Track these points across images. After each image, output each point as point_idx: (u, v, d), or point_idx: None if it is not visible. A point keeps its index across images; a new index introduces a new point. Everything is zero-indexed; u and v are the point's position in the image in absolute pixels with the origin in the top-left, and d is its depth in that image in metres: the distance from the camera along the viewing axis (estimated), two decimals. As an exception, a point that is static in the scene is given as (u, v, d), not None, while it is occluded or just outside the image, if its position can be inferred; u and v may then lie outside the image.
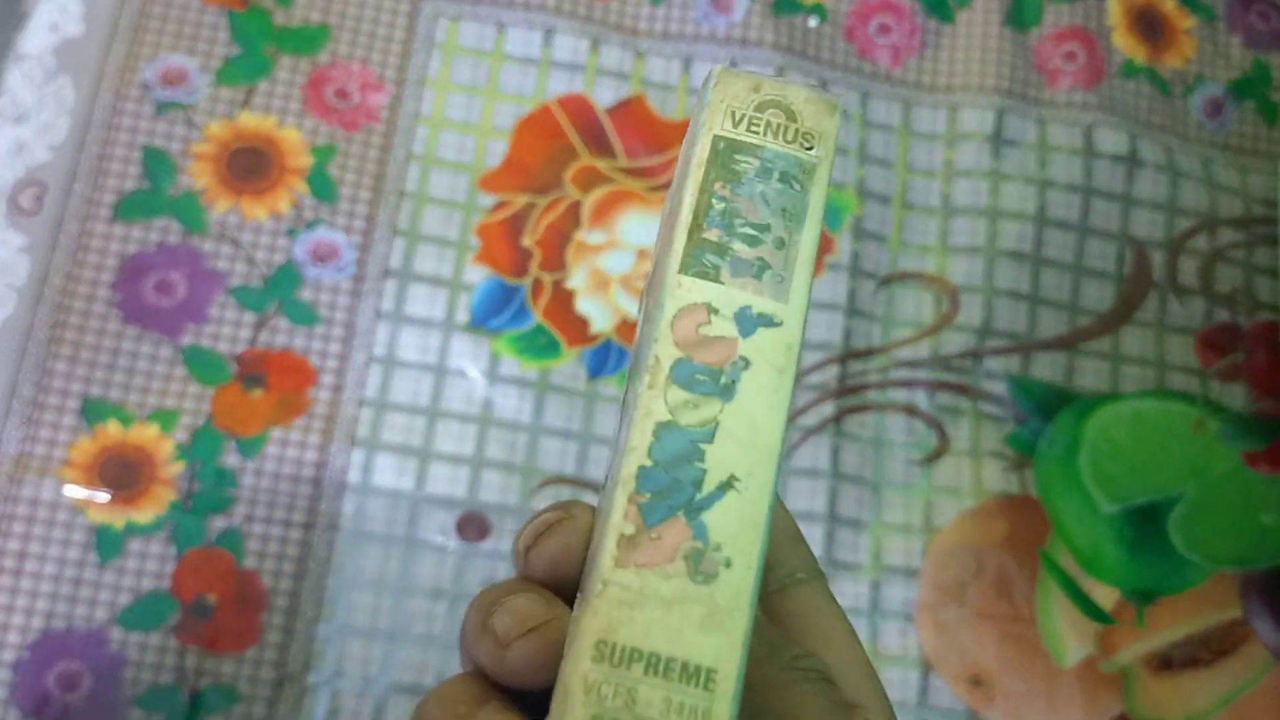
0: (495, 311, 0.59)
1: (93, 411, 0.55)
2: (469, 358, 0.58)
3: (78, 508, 0.54)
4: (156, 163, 0.58)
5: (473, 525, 0.57)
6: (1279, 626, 0.59)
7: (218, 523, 0.55)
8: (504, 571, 0.56)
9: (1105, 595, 0.59)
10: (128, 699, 0.52)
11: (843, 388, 0.61)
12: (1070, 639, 0.58)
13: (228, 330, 0.57)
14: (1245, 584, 0.59)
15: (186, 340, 0.56)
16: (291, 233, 0.58)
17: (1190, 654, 0.59)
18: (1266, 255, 0.65)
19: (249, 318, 0.57)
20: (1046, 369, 0.62)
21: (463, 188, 0.61)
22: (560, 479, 0.58)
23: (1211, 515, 0.60)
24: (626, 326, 0.60)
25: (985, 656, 0.58)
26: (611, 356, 0.60)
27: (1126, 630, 0.58)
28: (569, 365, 0.59)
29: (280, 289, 0.58)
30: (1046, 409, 0.61)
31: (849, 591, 0.58)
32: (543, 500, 0.57)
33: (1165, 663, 0.58)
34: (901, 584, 0.58)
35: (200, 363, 0.56)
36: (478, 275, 0.60)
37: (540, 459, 0.58)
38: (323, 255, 0.58)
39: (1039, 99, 0.66)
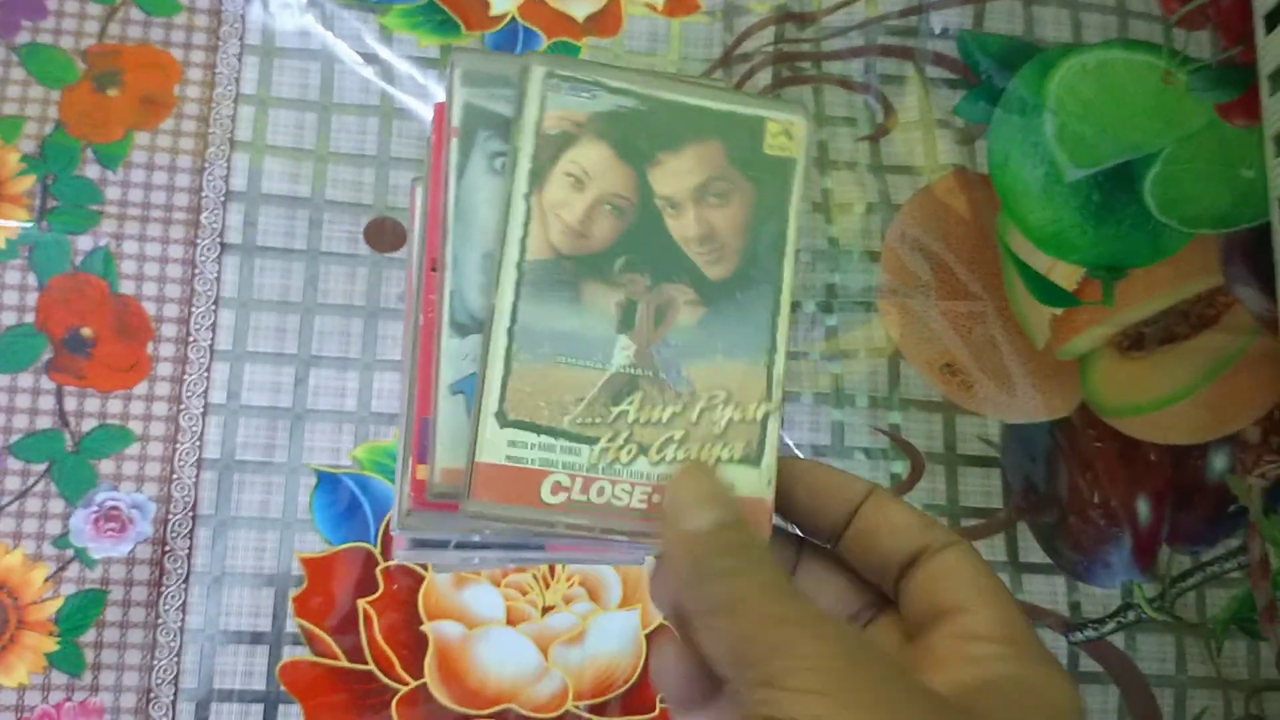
0: (380, -15, 0.51)
1: (-84, 124, 0.46)
2: (356, 37, 0.51)
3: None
4: None
5: (383, 232, 0.50)
6: (1264, 290, 0.54)
7: (83, 244, 0.47)
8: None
9: (1067, 275, 0.54)
10: (1, 449, 0.45)
11: (779, 54, 0.54)
12: (1034, 321, 0.53)
13: (70, 24, 0.48)
14: (1227, 247, 0.55)
15: (23, 38, 0.48)
16: (134, -96, 0.49)
17: (1166, 330, 0.54)
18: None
19: (95, 9, 0.48)
20: (1003, 21, 0.56)
21: None
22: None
23: (1188, 173, 0.55)
24: (533, 6, 0.52)
25: (954, 344, 0.53)
26: (519, 41, 0.52)
27: (1092, 311, 0.54)
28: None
29: (129, -28, 0.49)
30: (1006, 64, 0.55)
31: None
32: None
33: (1136, 341, 0.54)
34: (862, 272, 0.53)
35: (42, 62, 0.47)
36: (355, -56, 0.51)
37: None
38: (174, -71, 0.50)
39: None
